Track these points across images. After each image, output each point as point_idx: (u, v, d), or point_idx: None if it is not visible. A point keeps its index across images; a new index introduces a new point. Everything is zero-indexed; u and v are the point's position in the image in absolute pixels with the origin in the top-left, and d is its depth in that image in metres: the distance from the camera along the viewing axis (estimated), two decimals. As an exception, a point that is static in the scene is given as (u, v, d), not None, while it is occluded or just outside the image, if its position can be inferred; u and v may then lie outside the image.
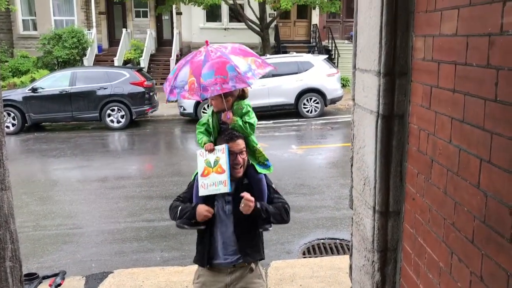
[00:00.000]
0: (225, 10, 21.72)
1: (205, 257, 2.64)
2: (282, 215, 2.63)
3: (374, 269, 2.32)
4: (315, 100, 13.73)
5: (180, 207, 2.65)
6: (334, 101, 14.16)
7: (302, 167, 8.56)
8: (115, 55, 19.96)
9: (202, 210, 2.54)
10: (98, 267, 4.85)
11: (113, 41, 22.63)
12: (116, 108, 13.23)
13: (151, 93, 13.67)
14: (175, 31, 21.79)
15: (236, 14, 19.95)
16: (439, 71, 1.79)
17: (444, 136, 1.75)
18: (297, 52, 17.02)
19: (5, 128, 12.02)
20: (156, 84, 15.47)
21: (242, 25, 19.90)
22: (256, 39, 20.45)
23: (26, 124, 13.16)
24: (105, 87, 13.19)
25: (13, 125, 12.90)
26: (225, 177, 2.48)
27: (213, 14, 22.08)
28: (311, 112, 13.73)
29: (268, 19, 19.77)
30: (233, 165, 2.53)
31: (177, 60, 20.58)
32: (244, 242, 2.60)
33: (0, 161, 2.23)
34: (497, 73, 1.40)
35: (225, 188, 2.49)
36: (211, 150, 2.54)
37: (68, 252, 5.28)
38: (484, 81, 1.47)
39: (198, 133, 2.70)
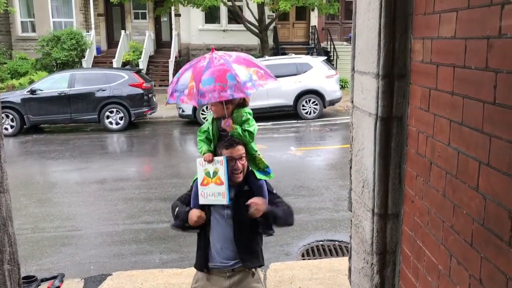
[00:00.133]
0: (223, 12, 21.73)
1: (202, 262, 2.64)
2: (287, 217, 2.64)
3: (373, 272, 2.31)
4: (314, 102, 13.74)
5: (177, 209, 2.67)
6: (333, 102, 14.17)
7: (301, 168, 8.55)
8: (114, 57, 19.96)
9: (194, 215, 2.55)
10: (97, 269, 4.83)
11: (112, 43, 22.62)
12: (115, 110, 13.22)
13: (150, 95, 13.67)
14: (174, 33, 21.80)
15: (235, 16, 19.96)
16: (438, 73, 1.79)
17: (443, 139, 1.75)
18: (295, 53, 17.02)
19: (4, 130, 12.05)
20: (154, 85, 15.48)
21: (241, 26, 19.91)
22: (255, 41, 20.47)
23: (24, 126, 13.14)
24: (103, 89, 13.18)
25: (12, 127, 12.89)
26: (224, 189, 2.49)
27: (212, 16, 22.08)
28: (310, 113, 13.74)
29: (267, 21, 19.78)
30: (232, 170, 2.53)
31: (176, 62, 20.65)
32: (243, 248, 2.59)
33: (-2, 164, 2.23)
34: (495, 76, 1.40)
35: (224, 200, 2.50)
36: (210, 161, 2.54)
37: (67, 254, 5.27)
38: (483, 84, 1.47)
39: (199, 141, 2.70)
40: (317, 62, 14.17)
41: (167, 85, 19.92)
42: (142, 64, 19.99)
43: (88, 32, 21.30)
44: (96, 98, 13.15)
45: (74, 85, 13.24)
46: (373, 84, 2.22)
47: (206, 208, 2.60)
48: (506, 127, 1.35)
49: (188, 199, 2.71)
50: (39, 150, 11.27)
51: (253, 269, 2.66)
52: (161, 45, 23.09)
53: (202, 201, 2.57)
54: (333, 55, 19.87)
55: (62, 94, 13.12)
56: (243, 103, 2.67)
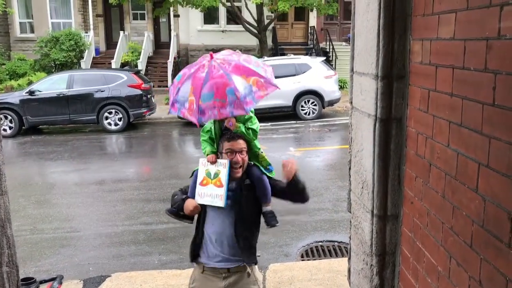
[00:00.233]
0: (222, 13, 21.72)
1: (191, 252, 2.69)
2: (306, 189, 2.68)
3: (372, 273, 2.31)
4: (313, 102, 13.74)
5: (175, 196, 2.74)
6: (332, 103, 14.17)
7: (300, 169, 8.45)
8: (112, 58, 19.93)
9: (190, 205, 2.60)
10: (96, 270, 4.83)
11: (111, 43, 22.60)
12: (113, 110, 13.20)
13: (148, 96, 13.65)
14: (173, 34, 21.79)
15: (234, 17, 19.95)
16: (437, 74, 1.79)
17: (442, 140, 1.75)
18: (294, 54, 17.02)
19: (2, 131, 12.03)
20: (153, 86, 15.46)
21: (239, 27, 19.90)
22: (253, 41, 20.46)
23: (23, 127, 13.12)
24: (102, 90, 13.17)
25: (10, 128, 12.87)
26: (222, 191, 2.50)
27: (210, 17, 22.07)
28: (309, 114, 13.74)
29: (266, 21, 19.78)
30: (232, 164, 2.55)
31: (175, 63, 20.63)
32: (242, 242, 2.59)
33: (-4, 166, 2.22)
34: (494, 78, 1.40)
35: (221, 202, 2.51)
36: (213, 163, 2.57)
37: (66, 256, 5.26)
38: (482, 85, 1.47)
39: (202, 141, 2.73)
40: (316, 62, 14.17)
41: (166, 86, 20.03)
42: (141, 65, 19.97)
43: (87, 33, 21.28)
44: (95, 99, 13.13)
45: (72, 86, 13.23)
46: (372, 85, 2.22)
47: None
48: (505, 128, 1.35)
49: (187, 189, 2.75)
50: (37, 151, 11.26)
51: (248, 270, 2.66)
52: (160, 46, 23.08)
53: (198, 200, 2.59)
54: (332, 55, 19.87)
55: (61, 95, 13.10)
56: None
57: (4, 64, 19.80)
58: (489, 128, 1.44)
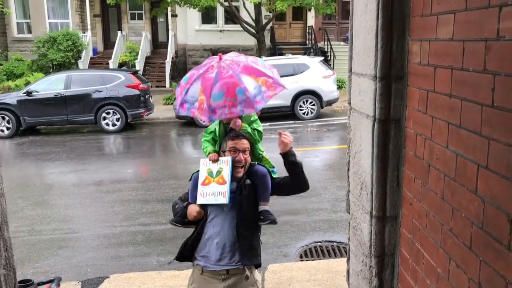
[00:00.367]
0: (220, 12, 21.70)
1: (180, 252, 2.69)
2: (304, 174, 2.66)
3: (371, 274, 2.31)
4: (311, 102, 13.74)
5: (177, 205, 2.74)
6: (330, 103, 14.17)
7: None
8: (110, 58, 19.91)
9: (193, 210, 2.61)
10: (94, 272, 4.81)
11: (108, 43, 22.57)
12: (111, 111, 13.18)
13: (146, 96, 13.63)
14: (171, 34, 21.76)
15: (232, 16, 19.94)
16: (436, 75, 1.78)
17: (441, 141, 1.75)
18: (292, 54, 17.02)
19: (0, 132, 11.90)
20: (151, 86, 15.44)
21: (237, 27, 19.89)
22: (251, 41, 20.45)
23: (21, 128, 13.09)
24: (100, 90, 13.14)
25: (8, 128, 12.84)
26: (226, 188, 2.49)
27: (208, 16, 22.05)
28: (307, 114, 13.73)
29: (264, 21, 19.76)
30: (234, 163, 2.55)
31: (173, 63, 20.61)
32: (243, 243, 2.59)
33: (-7, 168, 2.21)
34: (493, 79, 1.39)
35: (224, 199, 2.49)
36: (215, 161, 2.57)
37: (64, 257, 5.24)
38: (481, 86, 1.46)
39: (204, 141, 2.74)
40: (314, 62, 14.17)
41: (164, 86, 20.02)
42: (139, 65, 19.95)
43: (84, 33, 21.25)
44: (93, 99, 13.10)
45: (70, 87, 13.20)
46: (370, 86, 2.21)
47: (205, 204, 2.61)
48: (505, 130, 1.34)
49: (187, 196, 2.73)
50: (35, 152, 11.23)
51: (247, 272, 2.65)
52: (158, 45, 23.05)
53: (200, 200, 2.57)
54: (330, 55, 19.88)
55: (59, 96, 13.07)
56: None
57: (1, 64, 19.76)
58: (488, 129, 1.43)
